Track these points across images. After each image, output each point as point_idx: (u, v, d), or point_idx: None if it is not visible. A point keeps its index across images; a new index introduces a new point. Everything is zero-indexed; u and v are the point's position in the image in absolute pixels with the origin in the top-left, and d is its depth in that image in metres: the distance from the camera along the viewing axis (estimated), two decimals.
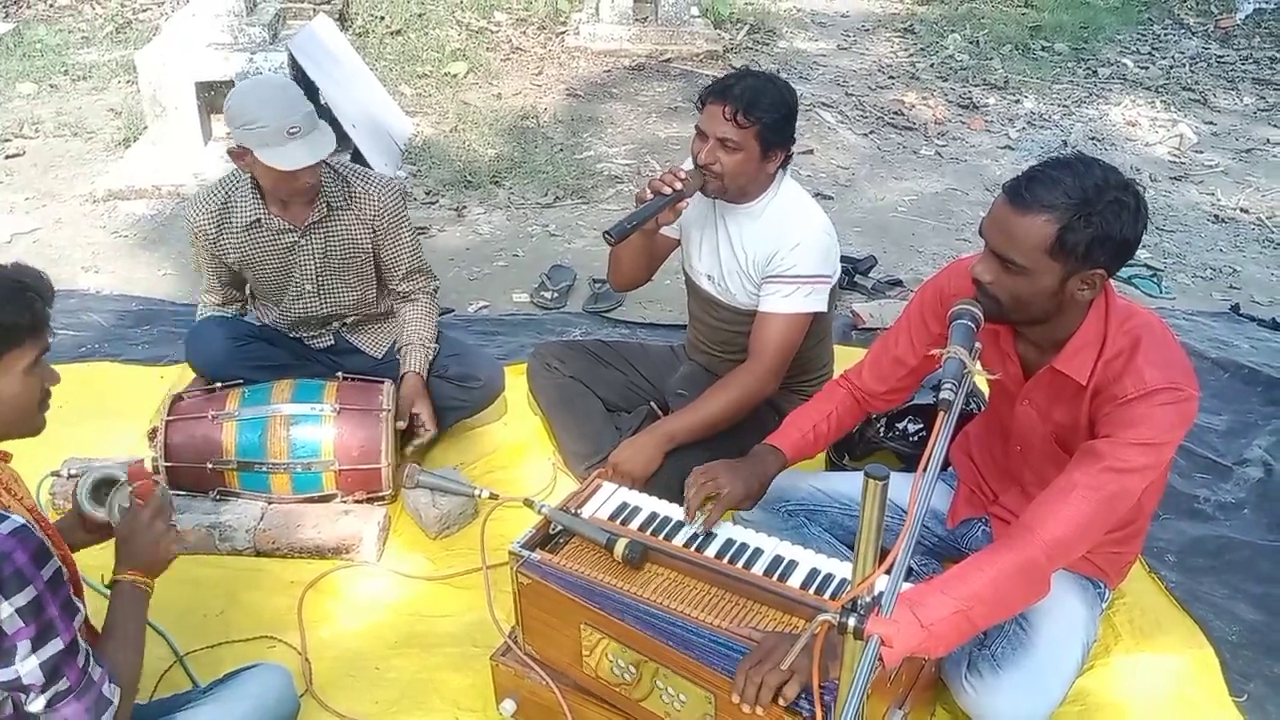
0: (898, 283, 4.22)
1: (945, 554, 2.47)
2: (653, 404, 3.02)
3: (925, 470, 1.49)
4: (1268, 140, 6.08)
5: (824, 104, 6.27)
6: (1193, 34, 8.02)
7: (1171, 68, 7.23)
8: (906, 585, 1.80)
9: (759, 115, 2.47)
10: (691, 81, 6.47)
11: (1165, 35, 7.99)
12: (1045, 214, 1.84)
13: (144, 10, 7.51)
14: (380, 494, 2.75)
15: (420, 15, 7.18)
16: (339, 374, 2.85)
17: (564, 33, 7.13)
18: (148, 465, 2.66)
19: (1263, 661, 2.40)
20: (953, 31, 7.61)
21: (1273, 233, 4.93)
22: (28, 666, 1.54)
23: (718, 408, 2.61)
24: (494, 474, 2.96)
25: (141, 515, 1.85)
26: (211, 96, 5.05)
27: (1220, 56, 7.51)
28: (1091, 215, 1.82)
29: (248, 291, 3.01)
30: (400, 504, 2.79)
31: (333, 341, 3.02)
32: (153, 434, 2.73)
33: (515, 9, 7.50)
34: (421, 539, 2.72)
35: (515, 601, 2.07)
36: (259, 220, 2.75)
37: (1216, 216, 5.08)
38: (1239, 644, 2.44)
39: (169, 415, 2.69)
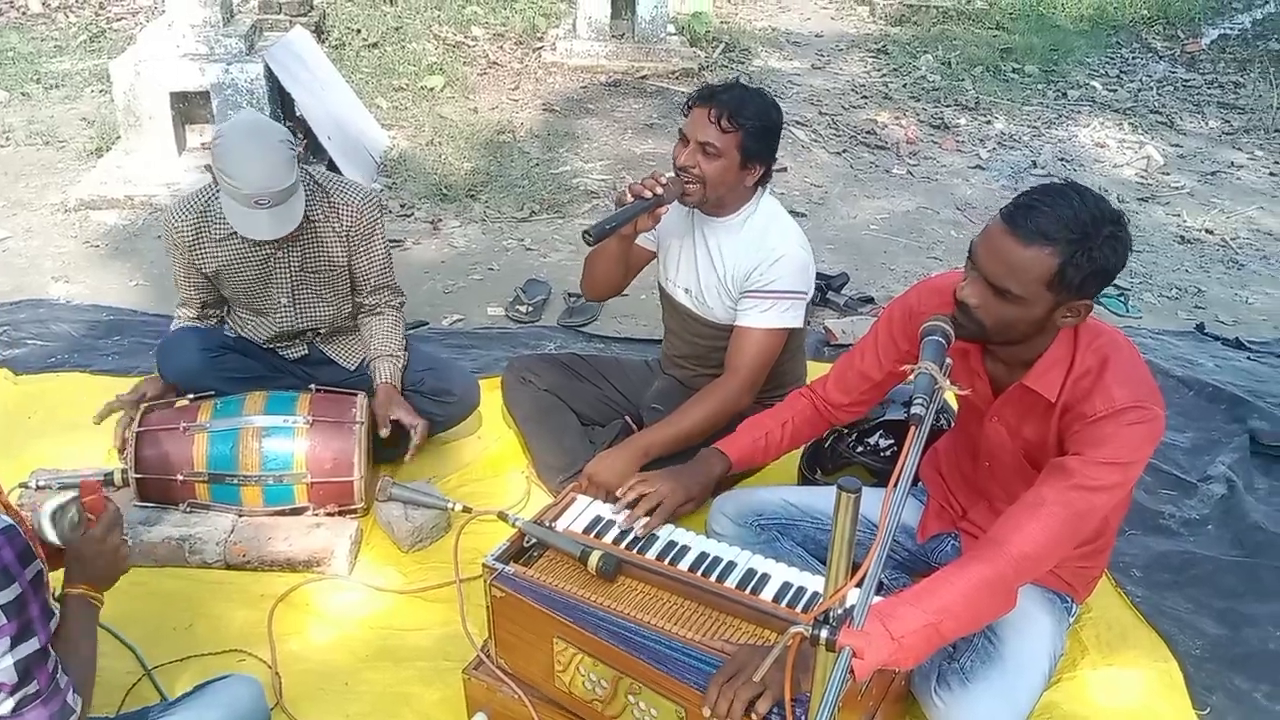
0: (869, 300, 4.26)
1: (915, 568, 2.49)
2: (627, 418, 3.02)
3: (896, 485, 1.51)
4: (1232, 163, 6.20)
5: (798, 123, 6.32)
6: (1160, 58, 8.17)
7: (1139, 91, 7.35)
8: (877, 598, 1.82)
9: (742, 122, 2.50)
10: (667, 99, 6.52)
11: (1133, 59, 8.12)
12: (1049, 247, 1.84)
13: (118, 20, 7.48)
14: (352, 507, 2.74)
15: (397, 29, 7.20)
16: (312, 386, 2.84)
17: (541, 48, 7.16)
18: (117, 478, 2.67)
19: (1225, 675, 2.43)
20: (925, 52, 7.70)
21: (1236, 254, 5.01)
22: (4, 664, 1.54)
23: (693, 421, 2.63)
24: (467, 487, 2.96)
25: (94, 530, 1.84)
26: (186, 107, 5.04)
27: (1186, 80, 7.65)
28: (1092, 250, 1.84)
29: (225, 307, 3.00)
30: (372, 517, 2.78)
31: (306, 352, 3.00)
32: (123, 445, 2.71)
33: (492, 24, 7.53)
34: (394, 552, 2.71)
35: (488, 615, 2.07)
36: (235, 232, 2.74)
37: (1182, 237, 5.16)
38: (1202, 658, 2.47)
39: (139, 427, 2.67)
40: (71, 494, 1.82)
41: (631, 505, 2.24)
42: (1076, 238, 1.84)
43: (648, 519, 2.20)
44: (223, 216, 2.72)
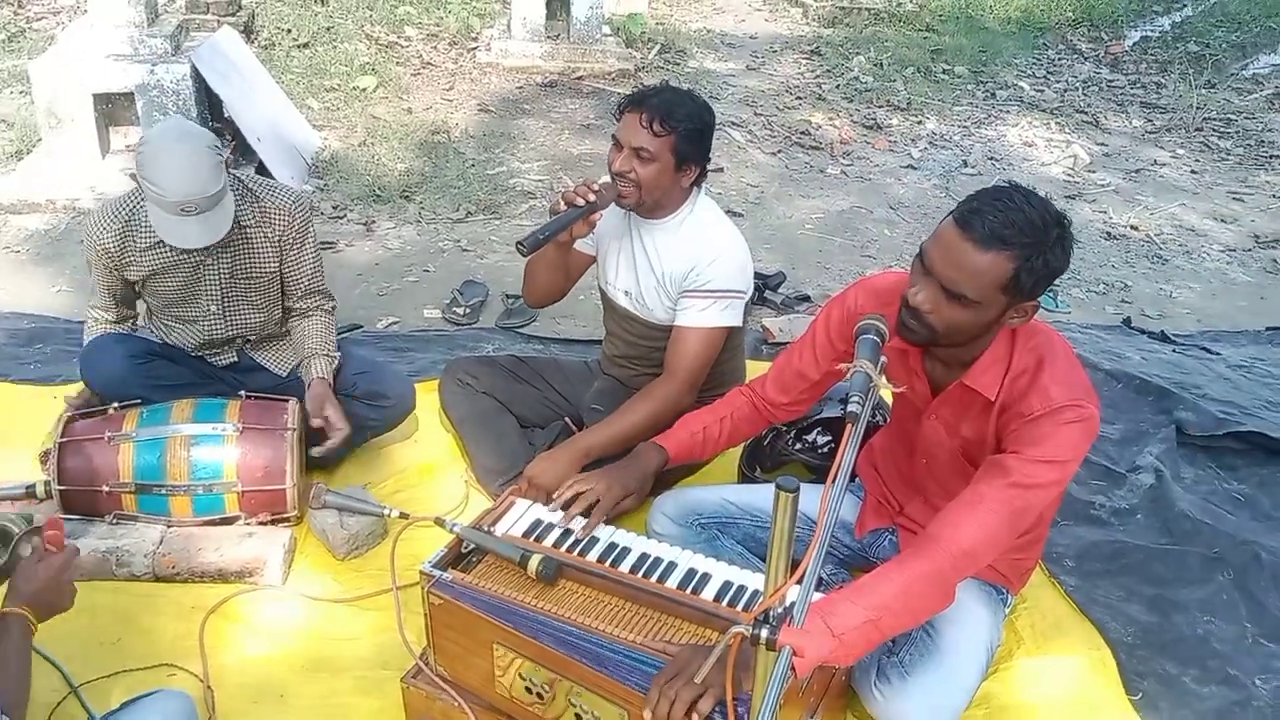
0: (806, 298, 4.29)
1: (855, 564, 2.51)
2: (568, 420, 3.01)
3: (834, 482, 1.51)
4: (1155, 161, 6.36)
5: (733, 123, 6.35)
6: (1085, 59, 8.36)
7: (1066, 91, 7.52)
8: (817, 595, 1.83)
9: (674, 125, 2.50)
10: (603, 99, 6.50)
11: (1059, 60, 8.30)
12: (1006, 251, 1.85)
13: (39, 19, 7.27)
14: (285, 515, 2.68)
15: (328, 29, 7.09)
16: (242, 393, 2.78)
17: (475, 49, 7.11)
18: (40, 490, 2.59)
19: (1156, 660, 2.49)
20: (858, 54, 7.79)
21: (1160, 249, 5.14)
22: None
23: (634, 422, 2.62)
24: (404, 493, 2.91)
25: (54, 560, 1.85)
26: (110, 109, 4.91)
27: (1111, 81, 7.84)
28: (1045, 253, 1.87)
29: (142, 308, 2.92)
30: (306, 525, 2.73)
31: (236, 359, 2.93)
32: (45, 456, 2.63)
33: (426, 24, 7.45)
34: (329, 560, 2.66)
35: (426, 622, 2.04)
36: (162, 240, 2.67)
37: (1109, 234, 5.28)
38: (1134, 644, 2.52)
39: (62, 437, 2.59)
40: (13, 528, 1.88)
41: (569, 505, 2.22)
42: (1030, 241, 1.86)
43: (586, 519, 2.19)
44: (148, 225, 2.64)
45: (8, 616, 1.76)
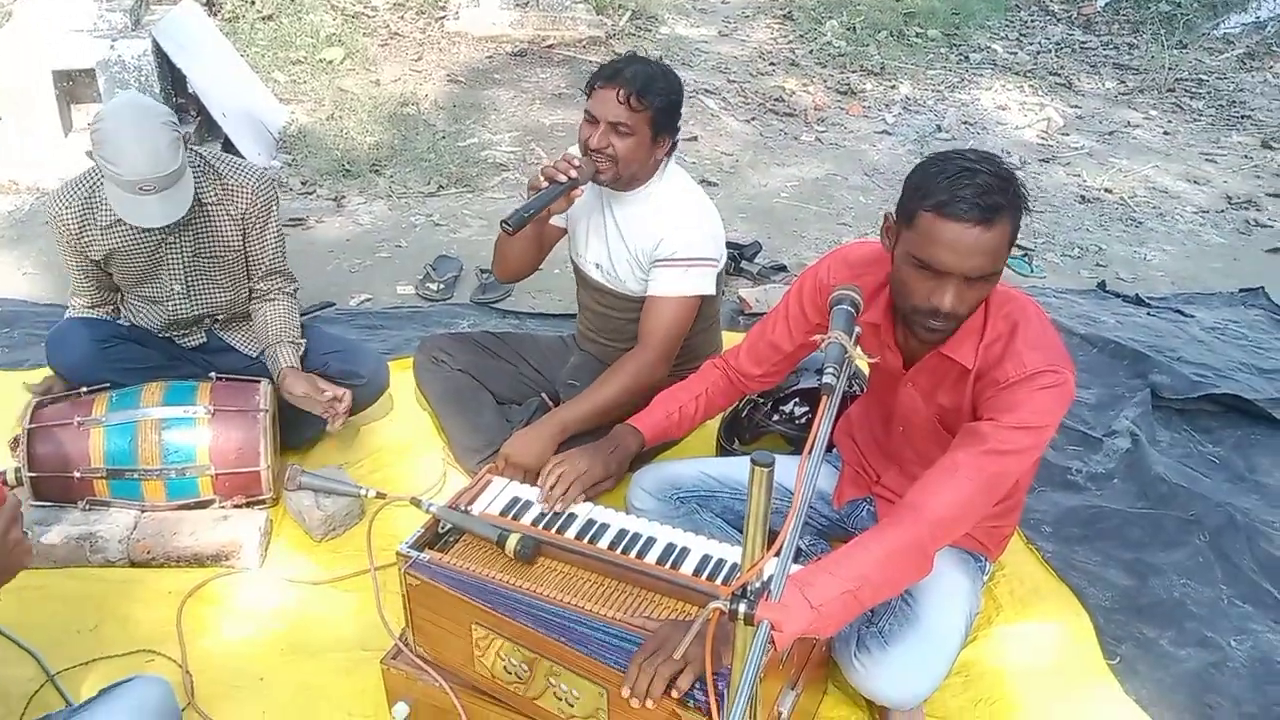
0: (782, 268, 4.27)
1: (834, 534, 2.51)
2: (544, 395, 2.99)
3: (810, 453, 1.50)
4: (1128, 122, 6.36)
5: (707, 91, 6.31)
6: (1057, 20, 8.33)
7: (1038, 53, 7.50)
8: (796, 567, 1.82)
9: (652, 99, 2.48)
10: (575, 68, 6.44)
11: (1032, 22, 8.27)
12: (1003, 214, 1.84)
13: None
14: (260, 497, 2.66)
15: (293, 0, 6.96)
16: (212, 374, 2.74)
17: (443, 18, 7.01)
18: (10, 477, 2.56)
19: (1133, 624, 2.51)
20: (830, 18, 7.73)
21: (1134, 212, 5.15)
22: None
23: (609, 395, 2.60)
24: (381, 472, 2.89)
25: None
26: (71, 86, 4.81)
27: (1083, 42, 7.82)
28: (1022, 201, 1.88)
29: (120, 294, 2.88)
30: (282, 507, 2.71)
31: (205, 340, 2.89)
32: (15, 443, 2.59)
33: None
34: (306, 542, 2.64)
35: (405, 604, 2.03)
36: (121, 219, 2.63)
37: (1083, 197, 5.28)
38: (1111, 609, 2.54)
39: (31, 423, 2.55)
40: None
41: (553, 487, 2.20)
42: (1012, 190, 1.86)
43: (564, 495, 2.18)
44: (107, 202, 2.60)
45: None
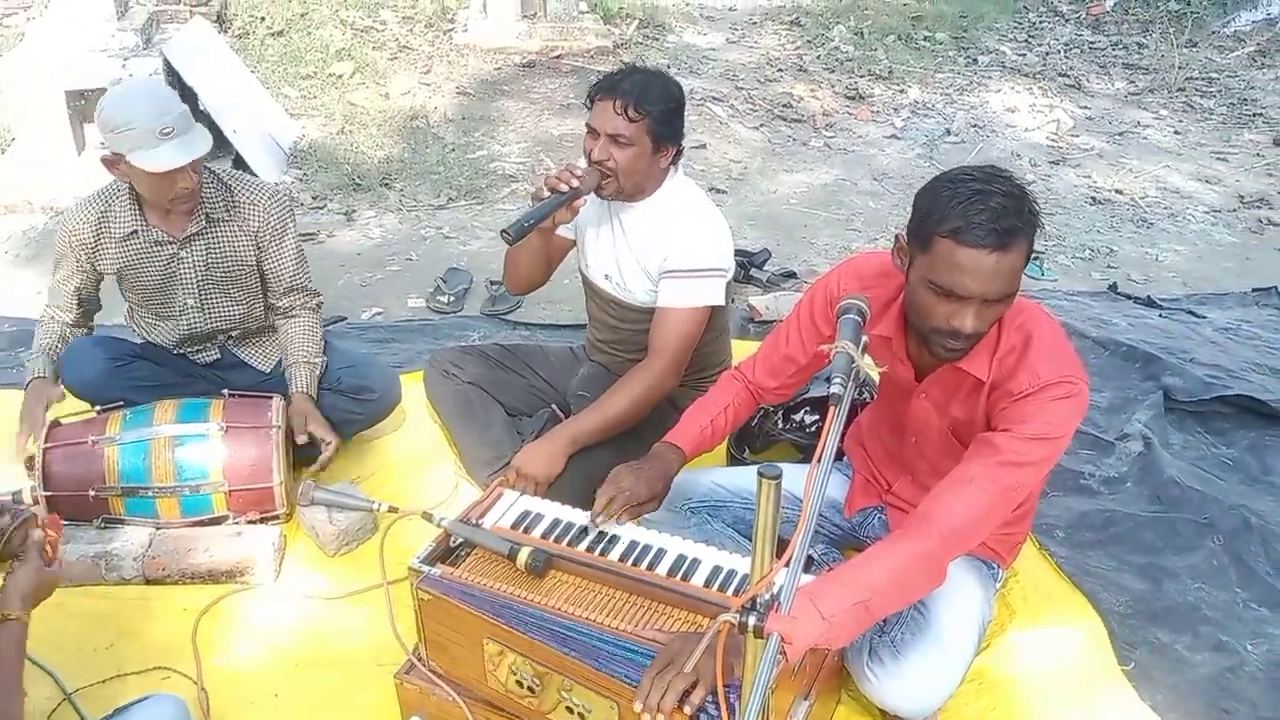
0: (792, 275, 4.27)
1: (846, 543, 2.51)
2: (554, 407, 3.00)
3: (819, 464, 1.50)
4: (1138, 123, 6.34)
5: (715, 98, 6.31)
6: (1066, 21, 8.31)
7: (1047, 54, 7.48)
8: (807, 577, 1.82)
9: (649, 108, 2.48)
10: (583, 78, 6.46)
11: (1040, 23, 8.26)
12: (1020, 236, 1.84)
13: (8, 15, 7.16)
14: (274, 513, 2.67)
15: (303, 15, 7.01)
16: (224, 391, 2.76)
17: (452, 30, 7.04)
18: (26, 495, 2.58)
19: (1147, 629, 2.49)
20: (838, 23, 7.74)
21: (1145, 212, 5.13)
22: None
23: (620, 407, 2.61)
24: (393, 486, 2.90)
25: (43, 560, 1.86)
26: (83, 105, 4.85)
27: (1093, 42, 7.80)
28: (1032, 206, 1.86)
29: (126, 310, 2.90)
30: (296, 522, 2.72)
31: (219, 356, 2.91)
32: (31, 462, 2.61)
33: (401, 7, 7.37)
34: (320, 557, 2.66)
35: (417, 618, 2.04)
36: (136, 231, 2.66)
37: (1093, 198, 5.27)
38: (1125, 614, 2.53)
39: (46, 443, 2.58)
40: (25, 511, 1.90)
41: (612, 513, 2.16)
42: (1027, 212, 1.85)
43: (612, 517, 2.14)
44: (123, 215, 2.65)
45: (5, 622, 1.75)
